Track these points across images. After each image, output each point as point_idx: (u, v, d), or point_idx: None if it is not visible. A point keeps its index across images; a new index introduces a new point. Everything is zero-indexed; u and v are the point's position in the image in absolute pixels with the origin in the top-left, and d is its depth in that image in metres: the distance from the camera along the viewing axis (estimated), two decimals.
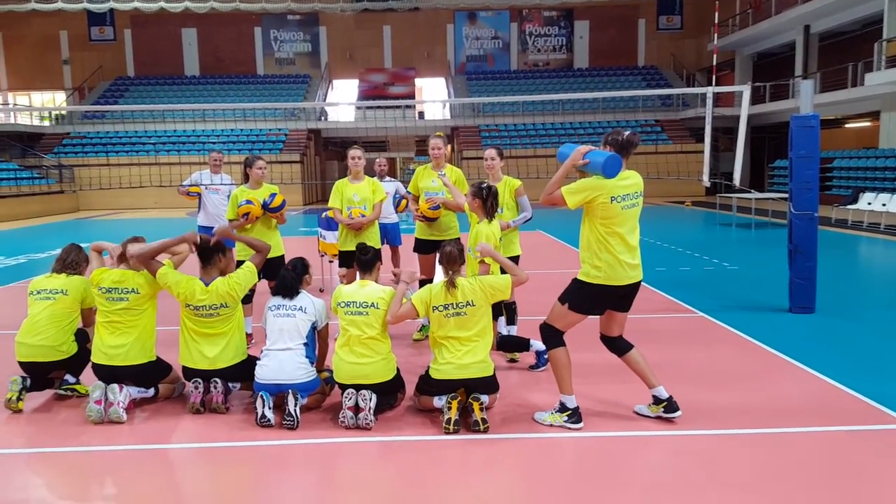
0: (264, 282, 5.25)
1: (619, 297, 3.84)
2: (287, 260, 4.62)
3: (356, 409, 3.90)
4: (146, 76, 32.01)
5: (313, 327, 4.21)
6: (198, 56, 32.72)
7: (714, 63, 13.78)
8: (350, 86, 32.94)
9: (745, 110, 6.92)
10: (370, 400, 3.90)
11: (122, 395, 4.03)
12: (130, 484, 3.39)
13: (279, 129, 28.20)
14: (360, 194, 5.74)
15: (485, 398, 3.98)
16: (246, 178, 5.89)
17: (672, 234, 13.56)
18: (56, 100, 32.09)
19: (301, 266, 4.36)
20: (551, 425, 3.88)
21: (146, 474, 3.47)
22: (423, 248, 5.86)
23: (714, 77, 13.96)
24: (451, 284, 3.99)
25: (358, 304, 4.07)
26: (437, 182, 5.68)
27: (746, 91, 7.06)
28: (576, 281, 3.87)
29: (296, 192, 25.06)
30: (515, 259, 5.27)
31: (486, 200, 4.48)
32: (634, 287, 3.86)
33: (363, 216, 5.64)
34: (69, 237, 15.08)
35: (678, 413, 3.87)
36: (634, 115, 28.92)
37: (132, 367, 4.16)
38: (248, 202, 5.51)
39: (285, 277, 4.24)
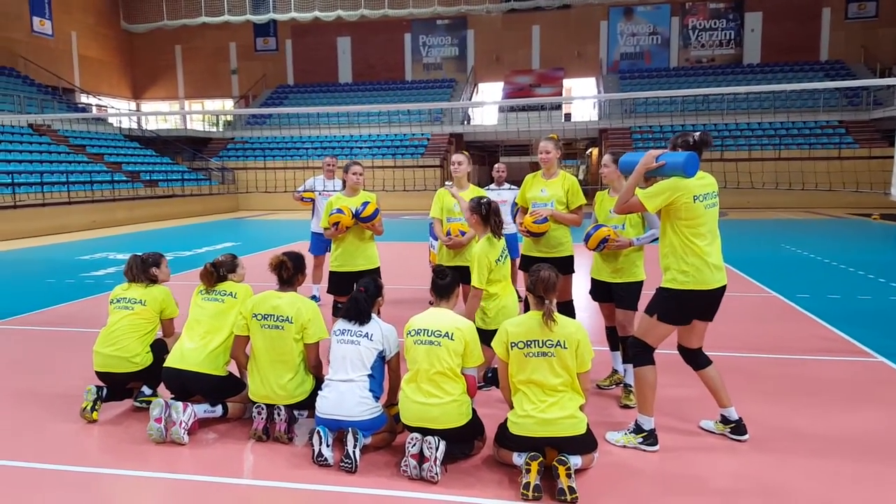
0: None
1: (706, 304, 3.69)
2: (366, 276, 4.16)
3: (421, 457, 3.32)
4: (304, 84, 33.92)
5: (381, 357, 3.70)
6: (351, 63, 34.10)
7: None
8: (495, 89, 32.65)
9: None
10: (436, 449, 3.31)
11: (185, 414, 3.79)
12: None
13: (422, 134, 28.49)
14: (461, 204, 5.17)
15: (575, 461, 3.27)
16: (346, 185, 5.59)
17: (852, 254, 11.55)
18: (225, 107, 35.01)
19: (374, 287, 3.86)
20: (624, 447, 3.66)
21: None
22: (530, 266, 5.13)
23: None
24: (549, 318, 3.33)
25: (430, 332, 3.50)
26: (546, 192, 4.93)
27: None
28: (662, 290, 3.71)
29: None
30: (639, 286, 4.44)
31: (487, 217, 4.29)
32: (721, 292, 3.70)
33: (463, 232, 5.05)
34: (221, 236, 16.22)
35: (746, 437, 3.74)
36: (814, 116, 25.73)
37: (202, 375, 3.91)
38: (339, 211, 5.17)
39: (358, 301, 3.74)
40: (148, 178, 23.65)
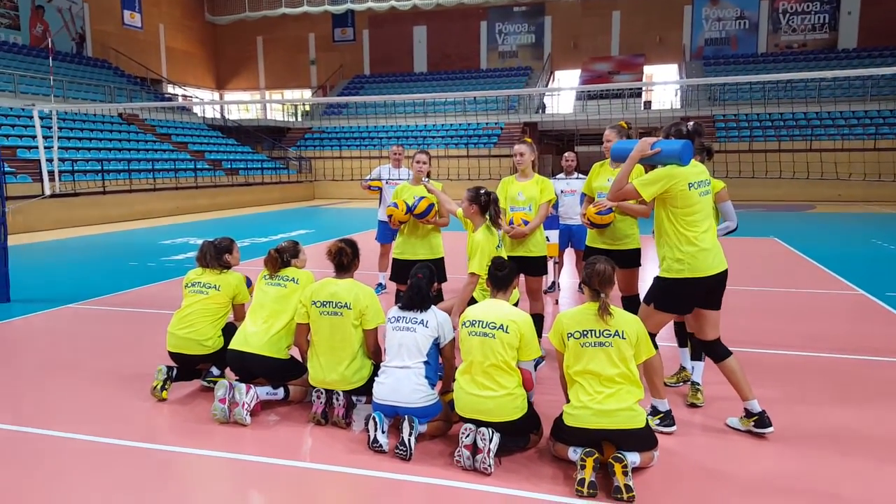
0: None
1: (706, 292, 3.69)
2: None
3: (474, 448, 3.28)
4: (380, 74, 34.32)
5: (436, 344, 3.67)
6: (426, 53, 34.21)
7: None
8: (572, 76, 32.01)
9: None
10: (490, 441, 3.25)
11: (248, 396, 3.89)
12: (232, 498, 3.18)
13: (496, 123, 28.28)
14: (525, 193, 5.03)
15: (633, 458, 3.16)
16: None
17: None
18: (304, 97, 35.91)
19: (430, 273, 3.84)
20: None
21: (251, 489, 3.25)
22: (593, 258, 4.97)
23: None
24: (604, 311, 3.24)
25: (485, 324, 3.44)
26: (612, 182, 4.74)
27: None
28: (658, 279, 3.74)
29: None
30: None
31: (486, 206, 4.36)
32: (721, 278, 3.70)
33: (525, 221, 4.94)
34: (297, 223, 16.68)
35: (771, 429, 3.63)
36: None
37: (264, 358, 4.00)
38: (394, 205, 5.22)
39: (420, 288, 3.72)
40: (229, 166, 24.58)
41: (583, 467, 3.07)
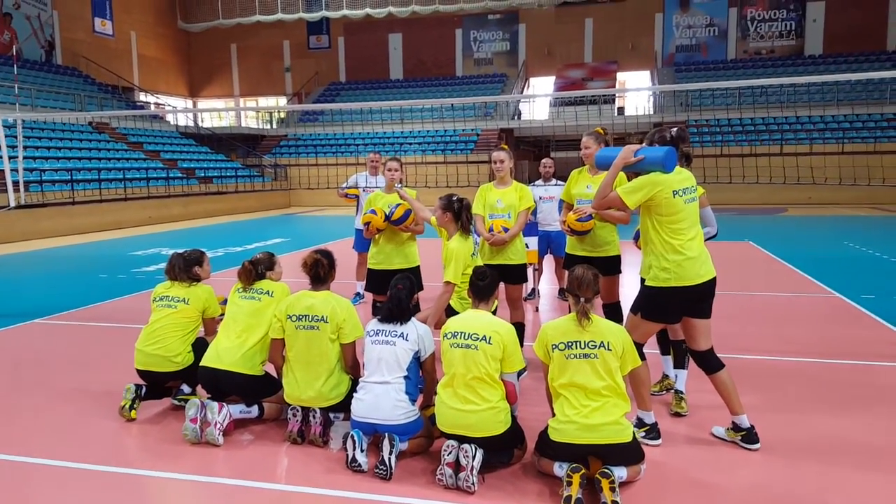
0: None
1: (694, 300, 3.62)
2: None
3: (457, 465, 3.17)
4: (355, 81, 34.20)
5: (416, 358, 3.57)
6: (402, 60, 34.21)
7: None
8: (546, 83, 32.26)
9: None
10: (472, 457, 3.15)
11: (220, 415, 3.74)
12: None
13: (472, 129, 28.32)
14: (504, 200, 4.97)
15: (620, 472, 3.09)
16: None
17: None
18: (279, 105, 35.62)
19: (411, 284, 3.74)
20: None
21: None
22: (573, 264, 4.92)
23: None
24: (583, 315, 3.18)
25: (467, 335, 3.35)
26: (592, 189, 4.66)
27: None
28: (645, 287, 3.68)
29: None
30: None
31: (459, 213, 4.37)
32: (709, 286, 3.64)
33: (505, 228, 4.87)
34: (273, 232, 16.45)
35: (757, 445, 3.57)
36: (881, 108, 24.49)
37: (237, 375, 3.87)
38: (372, 212, 5.14)
39: (400, 300, 3.61)
40: (202, 174, 24.22)
41: (569, 483, 2.98)
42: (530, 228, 7.89)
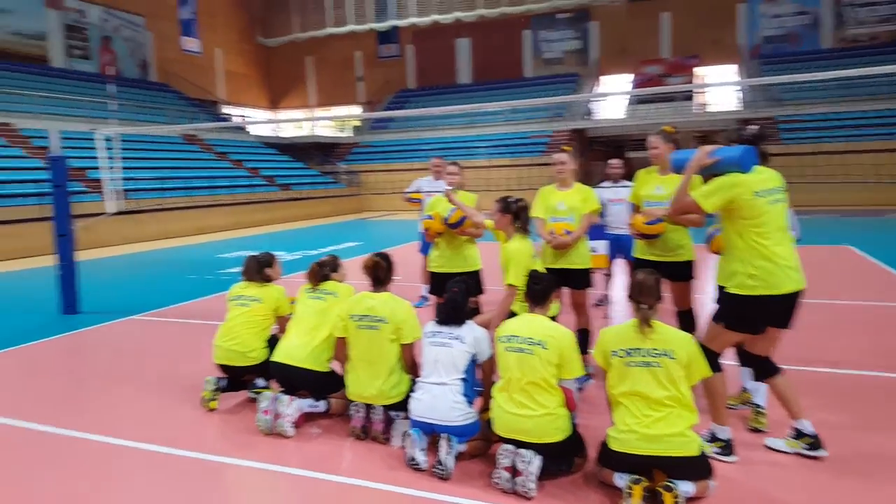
0: None
1: (780, 310, 3.39)
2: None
3: (514, 470, 3.20)
4: (424, 87, 34.66)
5: (473, 360, 3.64)
6: (470, 64, 34.38)
7: None
8: (621, 81, 31.53)
9: None
10: (529, 463, 3.17)
11: (291, 408, 3.98)
12: None
13: (542, 131, 28.09)
14: (566, 203, 4.91)
15: (686, 487, 2.99)
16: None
17: None
18: (351, 113, 36.55)
19: (466, 288, 3.83)
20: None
21: (291, 502, 3.32)
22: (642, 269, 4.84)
23: None
24: (644, 322, 3.13)
25: (522, 339, 3.37)
26: (662, 190, 4.55)
27: None
28: (728, 295, 3.45)
29: None
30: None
31: (517, 215, 4.37)
32: (798, 296, 3.40)
33: (568, 231, 4.83)
34: (346, 236, 16.94)
35: (824, 452, 3.40)
36: None
37: (305, 371, 4.09)
38: (430, 217, 5.25)
39: (455, 302, 3.70)
40: (283, 181, 25.23)
41: (629, 495, 2.95)
42: (598, 232, 7.79)
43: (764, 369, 3.53)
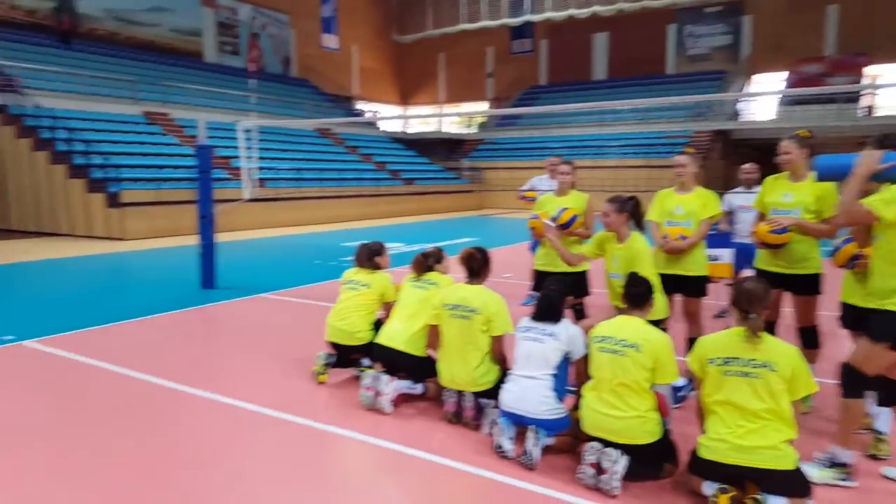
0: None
1: None
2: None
3: (599, 467, 3.20)
4: (556, 83, 34.25)
5: (566, 358, 3.64)
6: (607, 60, 33.50)
7: None
8: (773, 80, 29.18)
9: None
10: (615, 462, 3.15)
11: (390, 387, 4.20)
12: (368, 478, 3.47)
13: (682, 131, 26.82)
14: (685, 207, 4.76)
15: (778, 502, 2.87)
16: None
17: None
18: (478, 110, 36.94)
19: (562, 286, 3.83)
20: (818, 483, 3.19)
21: (386, 472, 3.54)
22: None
23: None
24: (752, 332, 3.01)
25: (615, 340, 3.36)
26: (791, 197, 4.29)
27: None
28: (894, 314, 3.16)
29: None
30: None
31: (634, 214, 4.32)
32: None
33: (683, 237, 4.66)
34: (464, 231, 17.21)
35: None
36: None
37: (404, 355, 4.28)
38: (536, 217, 5.26)
39: (551, 300, 3.73)
40: (407, 176, 26.04)
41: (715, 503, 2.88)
42: (723, 240, 7.38)
43: (894, 394, 3.29)
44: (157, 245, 13.55)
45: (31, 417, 4.17)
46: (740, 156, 28.28)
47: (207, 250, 8.45)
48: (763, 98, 29.00)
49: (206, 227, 8.42)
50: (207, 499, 3.18)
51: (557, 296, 3.74)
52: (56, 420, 4.11)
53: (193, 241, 9.38)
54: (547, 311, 3.70)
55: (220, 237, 8.93)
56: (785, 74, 28.32)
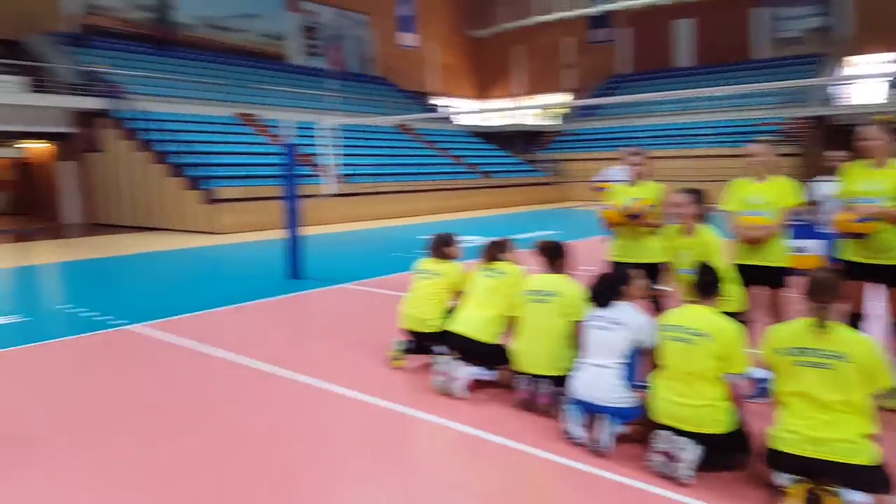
0: None
1: None
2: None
3: (669, 455, 3.21)
4: (637, 73, 33.34)
5: (636, 346, 3.65)
6: (692, 46, 32.30)
7: None
8: (876, 62, 27.24)
9: None
10: (684, 450, 3.16)
11: (462, 373, 4.35)
12: (442, 458, 3.64)
13: (774, 118, 25.52)
14: (763, 196, 4.62)
15: (856, 497, 2.81)
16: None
17: None
18: (558, 101, 36.38)
19: (622, 275, 3.86)
20: None
21: (458, 454, 3.69)
22: (849, 272, 4.35)
23: None
24: (820, 322, 2.96)
25: (684, 328, 3.35)
26: (877, 185, 4.14)
27: None
28: None
29: None
30: None
31: (703, 205, 4.28)
32: None
33: (764, 227, 4.55)
34: (544, 224, 17.16)
35: None
36: None
37: (476, 342, 4.40)
38: (609, 207, 5.25)
39: (605, 283, 3.81)
40: (486, 169, 26.16)
41: (788, 495, 2.85)
42: (807, 230, 7.10)
43: None
44: (248, 238, 14.37)
45: (142, 392, 4.63)
46: (839, 143, 26.35)
47: (294, 243, 8.92)
48: (867, 82, 27.03)
49: (293, 221, 8.89)
50: (289, 471, 3.43)
51: (612, 282, 3.77)
52: (163, 395, 4.56)
53: (281, 234, 9.90)
54: (600, 295, 3.74)
55: (306, 231, 9.39)
56: (891, 55, 26.34)
